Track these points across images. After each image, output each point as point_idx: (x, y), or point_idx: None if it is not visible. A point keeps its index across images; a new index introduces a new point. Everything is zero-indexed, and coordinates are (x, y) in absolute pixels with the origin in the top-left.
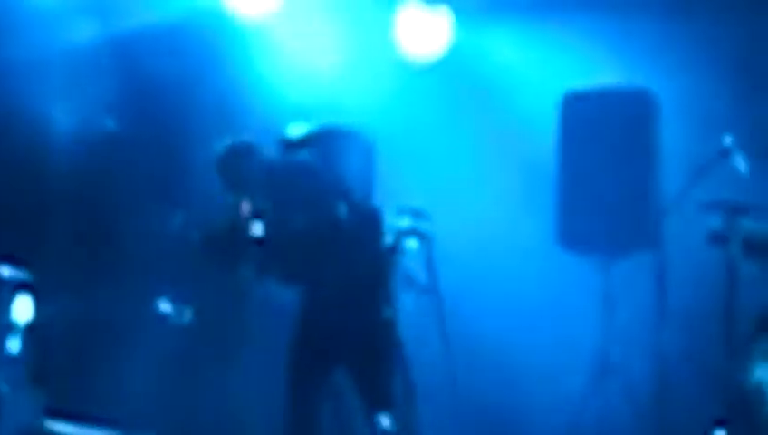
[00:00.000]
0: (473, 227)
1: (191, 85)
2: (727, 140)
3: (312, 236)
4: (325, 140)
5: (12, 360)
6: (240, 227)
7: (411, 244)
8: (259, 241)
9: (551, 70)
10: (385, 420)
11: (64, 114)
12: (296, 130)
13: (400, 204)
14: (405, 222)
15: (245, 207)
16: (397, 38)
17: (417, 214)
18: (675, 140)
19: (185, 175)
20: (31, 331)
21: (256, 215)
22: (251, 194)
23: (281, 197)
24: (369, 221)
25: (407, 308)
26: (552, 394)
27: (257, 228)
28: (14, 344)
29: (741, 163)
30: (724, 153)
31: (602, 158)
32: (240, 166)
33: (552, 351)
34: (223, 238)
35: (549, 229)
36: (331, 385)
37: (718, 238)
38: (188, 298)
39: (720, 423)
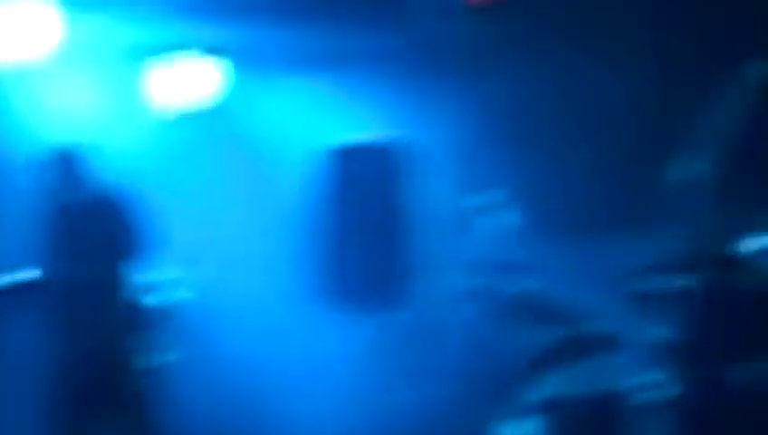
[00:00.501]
0: (231, 279)
1: None
2: (485, 196)
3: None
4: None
5: None
6: None
7: (174, 295)
8: None
9: (315, 123)
10: None
11: None
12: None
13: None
14: (166, 274)
15: None
16: (162, 87)
17: (177, 265)
18: (435, 195)
19: None
20: None
21: None
22: None
23: None
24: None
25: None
26: None
27: None
28: None
29: (499, 219)
30: (482, 209)
31: (360, 213)
32: None
33: (315, 406)
34: None
35: (307, 283)
36: None
37: (475, 294)
38: None
39: None
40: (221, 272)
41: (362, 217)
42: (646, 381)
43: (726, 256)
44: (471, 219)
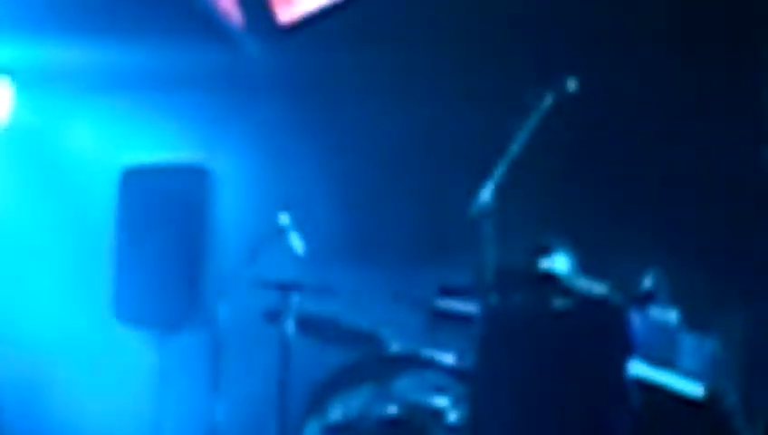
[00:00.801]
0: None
1: None
2: (283, 218)
3: None
4: None
5: None
6: None
7: None
8: None
9: (113, 144)
10: None
11: None
12: None
13: None
14: None
15: None
16: None
17: None
18: (233, 216)
19: None
20: None
21: None
22: None
23: None
24: None
25: None
26: None
27: None
28: None
29: (296, 241)
30: (281, 231)
31: (160, 233)
32: None
33: (109, 425)
34: None
35: (106, 304)
36: None
37: (272, 316)
38: None
39: None
40: (22, 293)
41: (161, 237)
42: (443, 403)
43: (508, 281)
44: (268, 241)
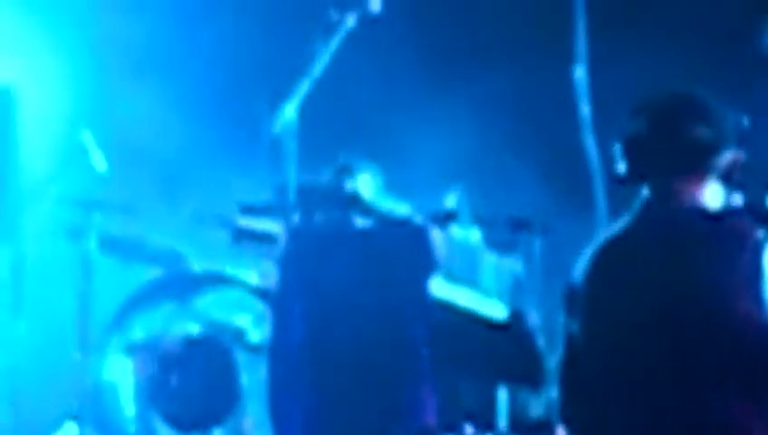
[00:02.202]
0: None
1: None
2: (86, 136)
3: None
4: None
5: None
6: None
7: None
8: None
9: None
10: None
11: None
12: None
13: None
14: None
15: None
16: None
17: None
18: (36, 134)
19: None
20: None
21: None
22: None
23: None
24: None
25: None
26: None
27: None
28: None
29: (98, 160)
30: (83, 149)
31: None
32: None
33: None
34: None
35: None
36: None
37: (74, 233)
38: None
39: (72, 417)
40: None
41: None
42: (245, 322)
43: (310, 200)
44: (71, 159)
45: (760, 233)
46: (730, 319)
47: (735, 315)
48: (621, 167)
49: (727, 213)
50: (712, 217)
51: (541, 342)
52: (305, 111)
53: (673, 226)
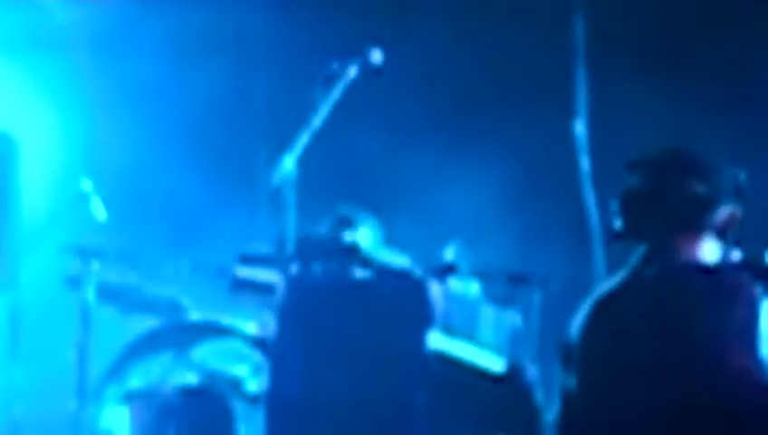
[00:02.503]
0: None
1: None
2: (86, 184)
3: None
4: None
5: None
6: None
7: None
8: None
9: None
10: None
11: None
12: None
13: None
14: None
15: None
16: None
17: None
18: (37, 181)
19: None
20: None
21: None
22: None
23: None
24: None
25: None
26: None
27: None
28: None
29: (98, 208)
30: (83, 197)
31: None
32: None
33: None
34: None
35: None
36: None
37: (73, 282)
38: None
39: None
40: None
41: None
42: (243, 371)
43: (309, 251)
44: (70, 207)
45: (756, 288)
46: (724, 373)
47: (729, 370)
48: (618, 223)
49: (723, 268)
50: (708, 272)
51: (539, 395)
52: (305, 162)
53: (669, 281)
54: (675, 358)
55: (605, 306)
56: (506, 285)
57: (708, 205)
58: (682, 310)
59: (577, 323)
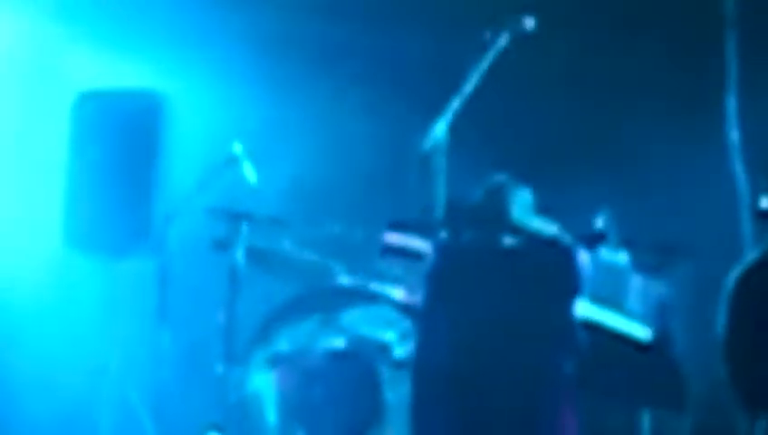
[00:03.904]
0: None
1: None
2: (237, 147)
3: None
4: None
5: None
6: None
7: None
8: None
9: (67, 68)
10: None
11: None
12: None
13: None
14: None
15: None
16: None
17: None
18: (186, 144)
19: None
20: None
21: None
22: None
23: None
24: None
25: None
26: (50, 399)
27: None
28: None
29: (249, 172)
30: (232, 161)
31: (112, 159)
32: None
33: (57, 352)
34: None
35: (56, 230)
36: None
37: (221, 245)
38: None
39: (215, 427)
40: None
41: (113, 163)
42: (390, 337)
43: (459, 218)
44: (221, 170)
45: None
46: None
47: None
48: (764, 202)
49: None
50: None
51: (686, 366)
52: (457, 128)
53: None
54: None
55: (746, 281)
56: (655, 255)
57: None
58: None
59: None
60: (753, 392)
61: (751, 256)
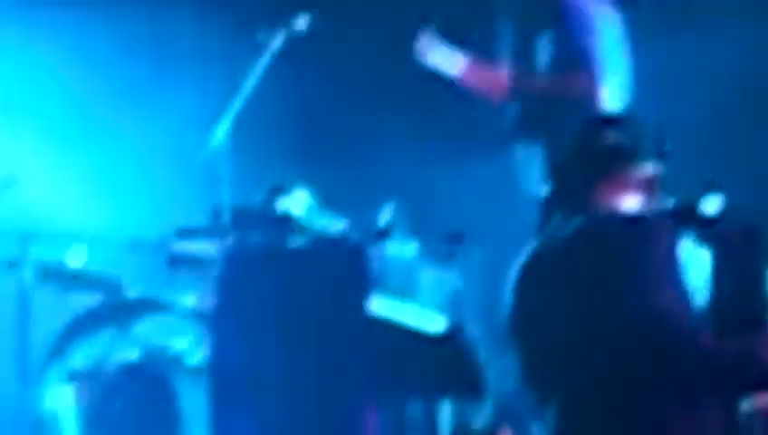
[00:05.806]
0: None
1: None
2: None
3: None
4: None
5: None
6: None
7: None
8: None
9: None
10: None
11: None
12: None
13: None
14: None
15: None
16: None
17: None
18: None
19: None
20: None
21: None
22: None
23: None
24: None
25: None
26: None
27: None
28: None
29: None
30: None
31: None
32: None
33: None
34: None
35: None
36: None
37: (11, 265)
38: None
39: None
40: None
41: None
42: (183, 345)
43: (245, 221)
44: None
45: (673, 229)
46: (647, 315)
47: (651, 310)
48: (544, 189)
49: (643, 215)
50: (627, 221)
51: (481, 353)
52: (238, 132)
53: (586, 234)
54: (602, 311)
55: (529, 270)
56: (445, 244)
57: (628, 156)
58: (603, 261)
59: (507, 290)
60: (542, 378)
61: (530, 246)
